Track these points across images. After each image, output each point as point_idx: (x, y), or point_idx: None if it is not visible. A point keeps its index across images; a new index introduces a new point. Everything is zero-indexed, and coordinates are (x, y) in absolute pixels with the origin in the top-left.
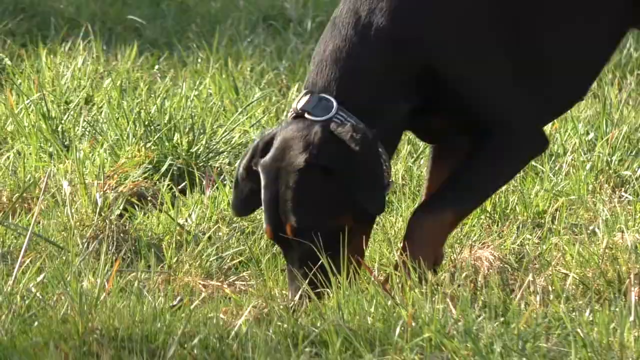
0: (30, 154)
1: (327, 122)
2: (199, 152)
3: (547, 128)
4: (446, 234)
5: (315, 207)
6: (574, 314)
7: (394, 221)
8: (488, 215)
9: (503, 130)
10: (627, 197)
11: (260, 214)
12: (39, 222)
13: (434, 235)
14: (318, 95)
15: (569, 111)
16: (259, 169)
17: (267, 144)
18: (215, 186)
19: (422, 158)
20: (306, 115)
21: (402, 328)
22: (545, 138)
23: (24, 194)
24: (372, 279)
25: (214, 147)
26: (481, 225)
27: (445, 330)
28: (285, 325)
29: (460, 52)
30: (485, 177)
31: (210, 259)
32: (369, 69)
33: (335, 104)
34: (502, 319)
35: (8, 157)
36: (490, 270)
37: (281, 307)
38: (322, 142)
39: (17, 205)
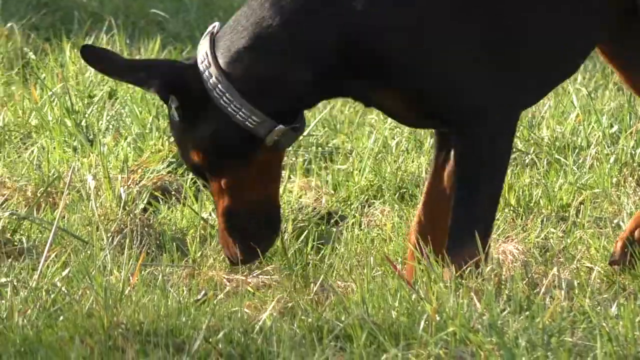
0: (54, 148)
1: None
2: None
3: (571, 120)
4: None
5: (176, 142)
6: (599, 308)
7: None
8: (512, 208)
9: (477, 122)
10: None
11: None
12: (64, 217)
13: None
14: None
15: (591, 104)
16: None
17: None
18: None
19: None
20: None
21: (427, 322)
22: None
23: (49, 189)
24: (397, 273)
25: None
26: (505, 219)
27: (469, 324)
28: (310, 320)
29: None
30: (483, 192)
31: None
32: (269, 26)
33: (207, 48)
34: (526, 313)
35: (32, 152)
36: (515, 264)
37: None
38: None
39: (41, 200)
